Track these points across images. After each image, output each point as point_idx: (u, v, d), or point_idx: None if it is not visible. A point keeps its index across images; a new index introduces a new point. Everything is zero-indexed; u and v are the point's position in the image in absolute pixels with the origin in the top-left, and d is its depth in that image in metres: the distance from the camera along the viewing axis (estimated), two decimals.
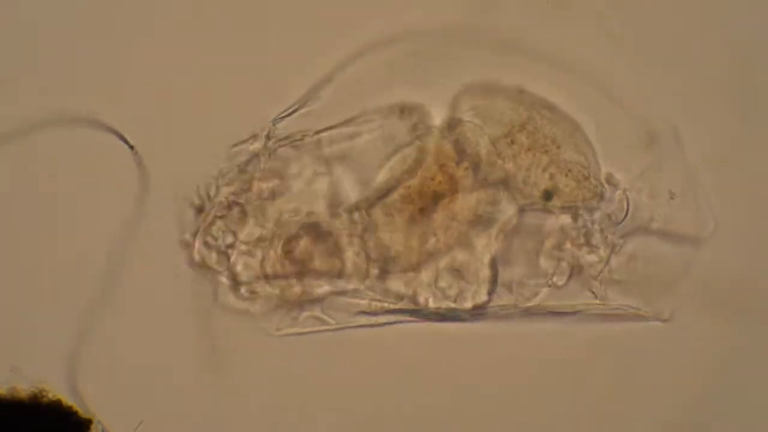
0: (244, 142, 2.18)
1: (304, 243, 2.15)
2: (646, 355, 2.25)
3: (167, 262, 2.18)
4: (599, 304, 2.21)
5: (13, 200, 2.21)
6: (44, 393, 2.14)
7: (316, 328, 2.18)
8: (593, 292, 2.20)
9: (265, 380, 2.21)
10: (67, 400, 2.15)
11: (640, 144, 2.23)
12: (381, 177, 2.16)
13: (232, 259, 2.15)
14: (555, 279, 2.19)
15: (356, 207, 2.16)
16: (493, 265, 2.18)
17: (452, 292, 2.17)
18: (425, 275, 2.17)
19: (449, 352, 2.22)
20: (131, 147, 2.15)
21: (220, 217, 2.15)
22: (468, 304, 2.17)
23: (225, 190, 2.15)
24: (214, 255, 2.15)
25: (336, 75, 2.20)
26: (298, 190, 2.17)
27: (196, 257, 2.15)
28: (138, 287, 2.18)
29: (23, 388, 2.14)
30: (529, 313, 2.20)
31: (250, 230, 2.16)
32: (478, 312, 2.19)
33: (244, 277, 2.15)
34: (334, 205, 2.17)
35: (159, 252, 2.17)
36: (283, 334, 2.17)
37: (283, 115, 2.19)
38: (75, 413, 2.14)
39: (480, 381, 2.23)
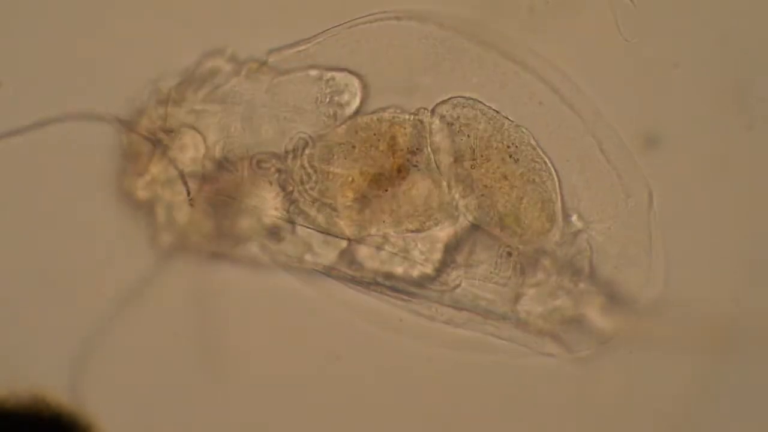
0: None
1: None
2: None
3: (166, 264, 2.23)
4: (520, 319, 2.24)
5: (12, 200, 2.26)
6: (44, 399, 2.18)
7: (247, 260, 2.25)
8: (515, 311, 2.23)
9: (263, 382, 2.28)
10: (67, 404, 2.19)
11: (638, 146, 2.23)
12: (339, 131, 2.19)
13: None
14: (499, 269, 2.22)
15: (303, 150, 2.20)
16: (450, 253, 2.21)
17: (395, 259, 2.21)
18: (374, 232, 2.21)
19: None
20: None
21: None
22: (413, 273, 2.22)
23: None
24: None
25: (341, 29, 2.20)
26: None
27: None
28: (137, 290, 2.23)
29: (23, 394, 2.18)
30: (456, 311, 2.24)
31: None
32: (412, 292, 2.23)
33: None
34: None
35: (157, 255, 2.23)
36: (221, 255, 2.24)
37: (281, 48, 2.21)
38: (75, 419, 2.19)
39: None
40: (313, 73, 2.19)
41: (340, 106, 2.18)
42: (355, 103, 2.18)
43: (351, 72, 2.19)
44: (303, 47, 2.20)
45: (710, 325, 2.25)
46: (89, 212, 2.25)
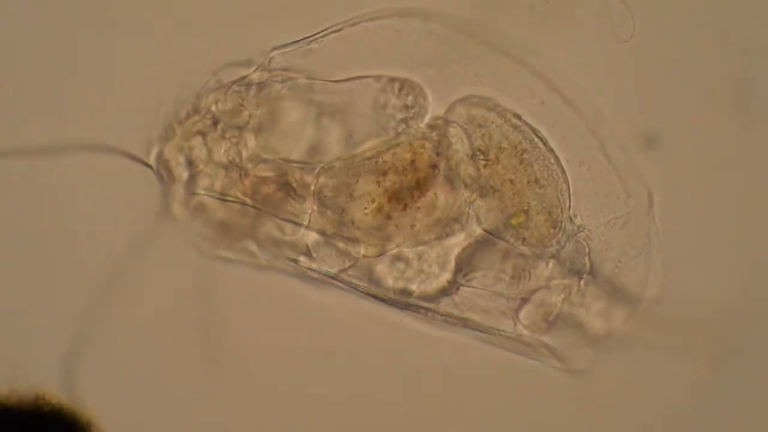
0: (238, 64, 2.21)
1: (272, 188, 2.19)
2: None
3: (167, 263, 2.23)
4: (517, 334, 2.24)
5: (17, 211, 2.25)
6: (45, 397, 2.18)
7: (246, 259, 2.24)
8: (516, 319, 2.23)
9: (262, 379, 2.28)
10: (67, 403, 2.20)
11: (638, 146, 2.23)
12: (364, 147, 2.18)
13: (198, 169, 2.21)
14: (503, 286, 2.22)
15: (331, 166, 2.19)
16: (459, 264, 2.21)
17: (409, 273, 2.21)
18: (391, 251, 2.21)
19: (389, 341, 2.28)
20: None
21: (201, 132, 2.20)
22: (428, 288, 2.22)
23: (213, 107, 2.19)
24: (182, 160, 2.21)
25: (346, 27, 2.20)
26: (283, 129, 2.21)
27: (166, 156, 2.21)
28: (137, 289, 2.23)
29: (24, 392, 2.18)
30: (452, 323, 2.25)
31: (222, 152, 2.21)
32: (411, 303, 2.24)
33: (200, 188, 2.22)
34: (312, 154, 2.20)
35: (158, 253, 2.23)
36: (215, 255, 2.23)
37: (284, 45, 2.20)
38: (75, 416, 2.19)
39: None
40: (375, 81, 2.19)
41: (409, 115, 2.17)
42: (426, 111, 2.17)
43: (415, 81, 2.18)
44: (306, 45, 2.19)
45: (710, 325, 2.25)
46: (89, 211, 2.25)
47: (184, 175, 2.20)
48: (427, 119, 2.18)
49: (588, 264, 2.21)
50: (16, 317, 2.25)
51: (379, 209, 2.15)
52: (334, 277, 2.22)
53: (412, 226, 2.16)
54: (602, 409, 2.27)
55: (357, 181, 2.15)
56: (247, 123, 2.18)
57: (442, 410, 2.28)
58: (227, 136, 2.19)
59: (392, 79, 2.17)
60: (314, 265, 2.21)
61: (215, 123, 2.19)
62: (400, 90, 2.17)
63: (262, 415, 2.28)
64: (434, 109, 2.19)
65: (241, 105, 2.18)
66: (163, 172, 2.20)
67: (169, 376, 2.26)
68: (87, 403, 2.22)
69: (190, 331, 2.24)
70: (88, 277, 2.24)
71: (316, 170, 2.17)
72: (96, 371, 2.24)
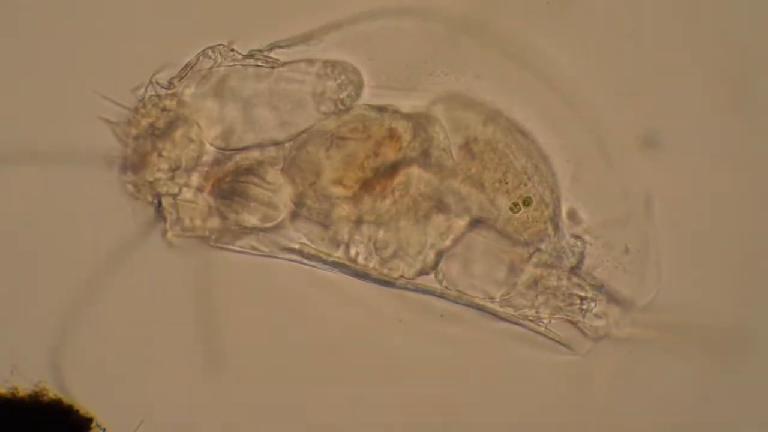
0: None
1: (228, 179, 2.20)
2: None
3: (166, 262, 2.23)
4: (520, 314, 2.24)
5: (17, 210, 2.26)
6: (45, 392, 2.18)
7: (248, 251, 2.24)
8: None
9: (263, 377, 2.28)
10: (67, 398, 2.19)
11: (638, 146, 2.23)
12: (328, 126, 2.18)
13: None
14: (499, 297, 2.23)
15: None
16: (439, 255, 2.20)
17: (386, 253, 2.21)
18: (366, 229, 2.20)
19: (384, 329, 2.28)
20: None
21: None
22: (395, 274, 2.21)
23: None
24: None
25: (345, 25, 2.20)
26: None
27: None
28: (135, 287, 2.24)
29: (24, 388, 2.18)
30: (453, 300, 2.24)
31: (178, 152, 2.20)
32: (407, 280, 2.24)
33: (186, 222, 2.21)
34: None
35: (157, 252, 2.23)
36: (219, 246, 2.23)
37: (282, 44, 2.20)
38: (75, 412, 2.19)
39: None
40: (315, 66, 2.18)
41: (341, 100, 2.17)
42: (359, 96, 2.17)
43: (353, 65, 2.18)
44: (302, 42, 2.19)
45: (709, 326, 2.25)
46: (88, 212, 2.25)
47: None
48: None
49: (585, 265, 2.20)
50: (16, 314, 2.25)
51: (349, 187, 2.15)
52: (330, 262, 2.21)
53: (381, 198, 2.16)
54: (600, 407, 2.27)
55: (329, 157, 2.15)
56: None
57: (443, 409, 2.28)
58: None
59: (326, 62, 2.17)
60: (313, 250, 2.21)
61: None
62: (332, 71, 2.17)
63: (263, 412, 2.28)
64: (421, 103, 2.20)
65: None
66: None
67: (169, 372, 2.26)
68: (87, 399, 2.22)
69: (190, 329, 2.24)
70: (87, 276, 2.23)
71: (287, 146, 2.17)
72: (96, 369, 2.24)
